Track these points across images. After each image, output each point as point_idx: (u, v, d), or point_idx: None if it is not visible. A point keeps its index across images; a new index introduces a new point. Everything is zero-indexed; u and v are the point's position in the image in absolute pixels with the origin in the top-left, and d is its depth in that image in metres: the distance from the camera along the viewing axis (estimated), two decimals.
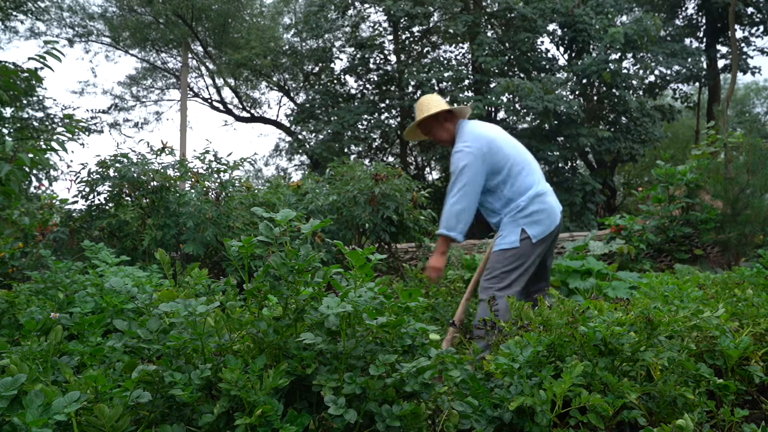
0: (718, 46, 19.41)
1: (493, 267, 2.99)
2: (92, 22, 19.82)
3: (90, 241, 3.92)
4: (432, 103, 3.17)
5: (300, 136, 19.50)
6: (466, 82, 17.38)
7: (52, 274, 2.88)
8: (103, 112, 20.80)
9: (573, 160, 17.62)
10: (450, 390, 1.94)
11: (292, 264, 1.85)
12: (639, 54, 16.47)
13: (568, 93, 16.45)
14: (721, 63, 19.49)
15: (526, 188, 3.01)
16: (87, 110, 20.69)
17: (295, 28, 19.36)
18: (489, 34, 17.49)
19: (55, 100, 14.70)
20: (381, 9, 16.86)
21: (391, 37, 18.47)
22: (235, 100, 21.98)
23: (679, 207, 6.21)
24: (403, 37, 18.53)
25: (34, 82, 2.81)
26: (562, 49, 18.11)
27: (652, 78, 18.91)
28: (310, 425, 1.70)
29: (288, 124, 20.38)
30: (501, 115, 18.49)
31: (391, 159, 19.88)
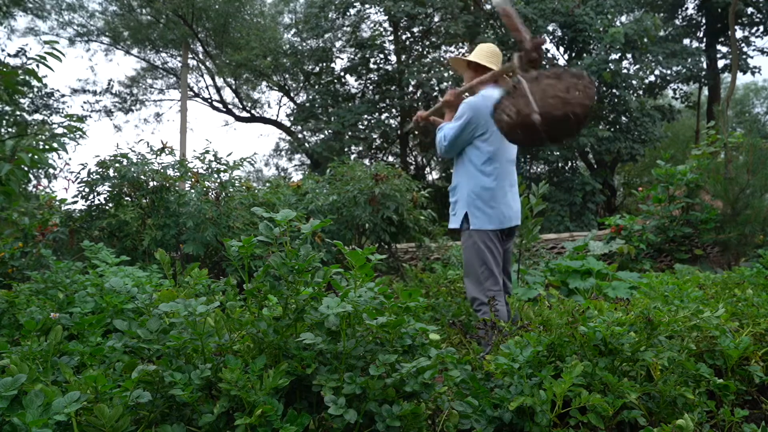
0: (718, 46, 19.39)
1: None
2: (92, 21, 19.84)
3: (90, 241, 3.93)
4: (493, 56, 3.22)
5: (300, 136, 19.49)
6: None
7: (52, 274, 2.88)
8: (97, 100, 20.77)
9: (573, 160, 17.61)
10: (450, 390, 1.94)
11: (292, 264, 1.85)
12: (639, 54, 16.46)
13: None
14: (721, 63, 19.48)
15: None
16: (84, 102, 20.69)
17: (296, 27, 19.36)
18: (489, 34, 17.49)
19: (56, 92, 14.73)
20: (381, 9, 16.85)
21: (391, 38, 18.47)
22: (236, 100, 22.00)
23: (679, 207, 6.20)
24: (404, 37, 18.53)
25: (33, 81, 2.80)
26: (562, 49, 18.10)
27: (652, 78, 18.90)
28: (310, 425, 1.70)
29: (288, 124, 20.38)
30: None
31: (391, 159, 19.88)
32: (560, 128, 2.28)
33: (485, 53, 3.22)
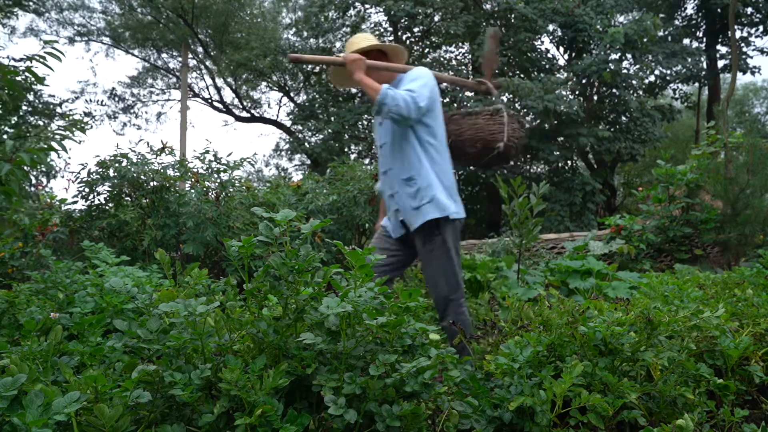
0: (718, 46, 19.39)
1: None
2: (93, 21, 19.85)
3: (90, 241, 3.93)
4: (362, 40, 2.78)
5: (300, 136, 19.49)
6: None
7: (52, 274, 2.88)
8: (100, 103, 20.79)
9: (573, 160, 17.60)
10: (450, 390, 1.94)
11: (292, 264, 1.85)
12: (639, 54, 16.46)
13: (568, 93, 16.43)
14: (720, 63, 19.47)
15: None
16: (86, 101, 20.69)
17: (296, 27, 19.36)
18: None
19: (53, 96, 14.76)
20: (381, 9, 16.85)
21: (391, 38, 18.47)
22: (236, 101, 22.00)
23: (679, 207, 6.20)
24: (404, 37, 18.53)
25: (33, 82, 2.80)
26: (562, 49, 18.09)
27: (652, 78, 18.90)
28: (310, 425, 1.70)
29: (288, 124, 20.38)
30: None
31: None
32: (495, 160, 2.87)
33: (363, 37, 2.83)
